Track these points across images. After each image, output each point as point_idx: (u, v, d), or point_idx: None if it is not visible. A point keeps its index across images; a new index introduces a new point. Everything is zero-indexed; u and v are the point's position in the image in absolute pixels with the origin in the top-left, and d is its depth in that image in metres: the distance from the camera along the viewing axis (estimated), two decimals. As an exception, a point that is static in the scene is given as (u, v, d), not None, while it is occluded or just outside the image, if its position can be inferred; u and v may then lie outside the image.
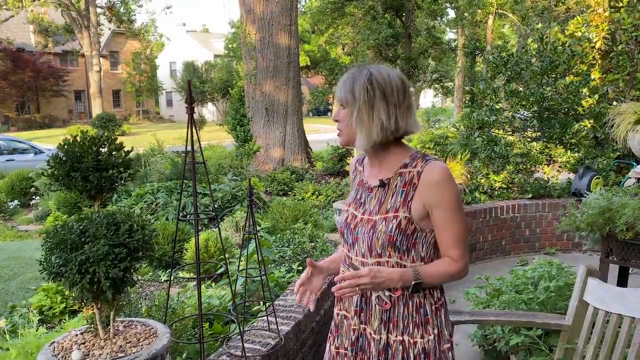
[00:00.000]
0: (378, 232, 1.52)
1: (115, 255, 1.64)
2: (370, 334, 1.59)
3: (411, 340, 1.54)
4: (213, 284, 3.97)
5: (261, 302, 3.05)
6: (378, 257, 1.54)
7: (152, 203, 6.44)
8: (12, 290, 4.19)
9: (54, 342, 1.83)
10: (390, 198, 1.55)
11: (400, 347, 1.55)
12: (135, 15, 32.90)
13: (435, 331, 1.55)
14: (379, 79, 1.52)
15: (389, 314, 1.55)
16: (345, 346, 1.65)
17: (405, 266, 1.54)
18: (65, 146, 1.67)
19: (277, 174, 9.05)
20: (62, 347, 1.79)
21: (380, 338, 1.57)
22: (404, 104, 1.53)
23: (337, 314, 1.70)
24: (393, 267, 1.54)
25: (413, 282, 1.49)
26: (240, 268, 2.87)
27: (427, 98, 45.67)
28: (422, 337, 1.54)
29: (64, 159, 1.67)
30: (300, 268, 3.87)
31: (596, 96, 6.27)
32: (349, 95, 1.53)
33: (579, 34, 6.51)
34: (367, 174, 1.66)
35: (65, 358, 1.72)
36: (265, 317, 2.68)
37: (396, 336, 1.55)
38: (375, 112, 1.51)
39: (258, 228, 3.14)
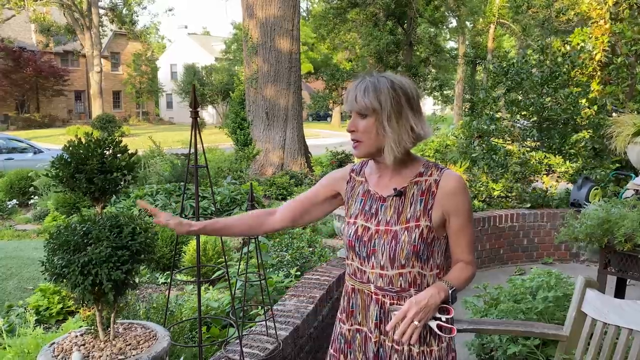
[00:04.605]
0: (402, 243, 1.52)
1: (118, 257, 1.64)
2: (391, 346, 1.57)
3: (428, 349, 1.56)
4: (211, 287, 3.97)
5: (259, 307, 3.05)
6: (401, 267, 1.53)
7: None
8: (9, 289, 4.18)
9: (53, 343, 1.83)
10: (409, 207, 1.55)
11: (422, 358, 1.56)
12: (137, 16, 32.92)
13: (447, 339, 1.59)
14: (399, 85, 1.51)
15: None
16: (360, 359, 1.63)
17: (425, 275, 1.55)
18: (70, 148, 1.68)
19: (276, 178, 9.06)
20: (62, 348, 1.79)
21: (403, 349, 1.56)
22: (421, 110, 1.56)
23: (349, 330, 1.66)
24: (415, 277, 1.54)
25: (450, 291, 1.51)
26: (240, 272, 2.87)
27: (427, 106, 45.80)
28: (437, 345, 1.57)
29: (68, 160, 1.67)
30: (299, 273, 3.87)
31: (595, 107, 6.31)
32: (375, 103, 1.48)
33: (582, 44, 6.55)
34: (373, 184, 1.63)
35: (65, 359, 1.72)
36: (264, 322, 2.69)
37: (419, 348, 1.55)
38: (404, 119, 1.50)
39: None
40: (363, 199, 1.63)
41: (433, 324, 1.51)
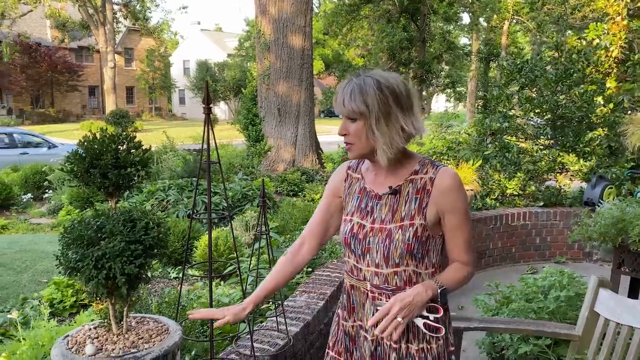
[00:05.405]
0: (396, 241, 1.50)
1: (132, 251, 1.66)
2: (389, 345, 1.56)
3: (428, 347, 1.55)
4: (222, 282, 4.00)
5: (270, 302, 3.07)
6: (395, 266, 1.52)
7: (163, 200, 6.48)
8: (23, 282, 4.24)
9: (67, 335, 1.85)
10: (404, 205, 1.53)
11: (422, 355, 1.55)
12: (151, 12, 33.15)
13: (444, 335, 1.57)
14: (387, 84, 1.47)
15: (409, 323, 1.52)
16: (365, 357, 1.61)
17: (420, 274, 1.54)
18: (85, 143, 1.70)
19: (287, 174, 9.07)
20: (76, 340, 1.81)
21: (400, 347, 1.55)
22: (414, 105, 1.52)
23: (352, 326, 1.65)
24: (410, 275, 1.53)
25: (439, 290, 1.49)
26: (251, 267, 2.88)
27: (439, 103, 45.53)
28: (436, 342, 1.56)
29: (83, 155, 1.69)
30: (310, 269, 3.88)
31: (611, 105, 6.23)
32: (362, 107, 1.46)
33: (597, 41, 6.47)
34: (369, 181, 1.62)
35: (79, 352, 1.74)
36: (274, 318, 2.70)
37: (418, 345, 1.54)
38: (394, 119, 1.47)
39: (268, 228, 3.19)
40: (359, 196, 1.62)
41: (419, 322, 1.49)
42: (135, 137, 1.77)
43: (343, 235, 1.61)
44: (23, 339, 2.64)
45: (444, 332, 1.52)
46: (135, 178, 1.79)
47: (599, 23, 6.70)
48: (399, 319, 1.42)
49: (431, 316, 1.49)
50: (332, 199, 1.71)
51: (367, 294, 1.57)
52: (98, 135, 1.71)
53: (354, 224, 1.59)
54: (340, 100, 1.50)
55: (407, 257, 1.51)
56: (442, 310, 1.50)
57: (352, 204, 1.63)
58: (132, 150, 1.77)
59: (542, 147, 6.68)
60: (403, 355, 1.55)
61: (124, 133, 1.74)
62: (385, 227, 1.53)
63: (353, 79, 1.50)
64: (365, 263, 1.56)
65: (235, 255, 2.44)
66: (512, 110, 6.90)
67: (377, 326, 1.44)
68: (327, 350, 1.74)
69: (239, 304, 1.63)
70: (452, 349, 1.61)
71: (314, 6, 12.67)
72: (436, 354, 1.55)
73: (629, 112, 6.16)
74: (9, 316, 3.03)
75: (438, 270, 1.57)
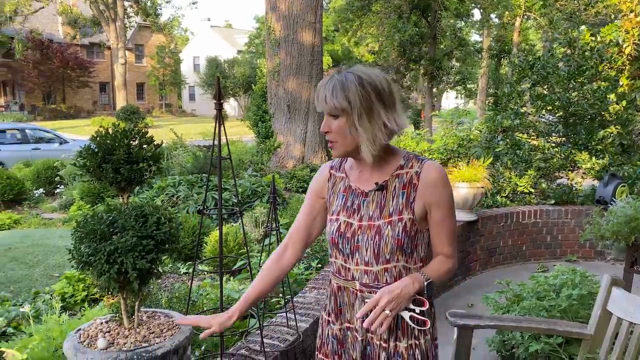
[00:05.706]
0: (385, 238, 1.49)
1: (143, 247, 1.67)
2: (378, 344, 1.55)
3: (416, 342, 1.55)
4: (232, 277, 4.01)
5: (280, 298, 3.07)
6: (386, 262, 1.50)
7: (173, 196, 6.52)
8: (35, 276, 4.29)
9: (79, 329, 1.87)
10: (391, 201, 1.52)
11: (410, 352, 1.54)
12: (161, 8, 33.25)
13: (430, 330, 1.57)
14: (369, 80, 1.46)
15: (397, 320, 1.52)
16: (354, 357, 1.60)
17: (409, 269, 1.53)
18: (98, 138, 1.70)
19: (297, 171, 9.08)
20: (88, 334, 1.82)
21: (389, 345, 1.54)
22: (396, 102, 1.51)
23: (340, 329, 1.63)
24: (400, 271, 1.51)
25: (426, 282, 1.49)
26: (261, 263, 2.89)
27: (449, 100, 45.33)
28: (423, 337, 1.55)
29: (95, 150, 1.70)
30: (320, 265, 3.88)
31: (624, 102, 6.16)
32: (344, 103, 1.44)
33: (610, 38, 6.40)
34: (354, 179, 1.60)
35: (91, 345, 1.75)
36: (284, 313, 2.71)
37: (406, 342, 1.53)
38: (376, 115, 1.46)
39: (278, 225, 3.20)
40: (344, 195, 1.60)
41: (406, 315, 1.48)
42: (147, 132, 1.77)
43: (330, 235, 1.59)
44: (31, 334, 2.67)
45: (429, 325, 1.53)
46: (147, 173, 1.80)
47: (615, 23, 6.61)
48: (387, 311, 1.42)
49: (417, 309, 1.49)
50: (316, 200, 1.68)
51: (357, 293, 1.56)
52: (110, 131, 1.72)
53: (340, 223, 1.57)
54: (322, 97, 1.48)
55: (397, 252, 1.50)
56: (427, 304, 1.50)
57: (337, 203, 1.61)
58: (144, 146, 1.77)
59: (553, 144, 6.63)
60: (392, 353, 1.54)
61: (136, 128, 1.74)
62: (373, 223, 1.52)
63: (334, 76, 1.49)
64: (354, 262, 1.54)
65: (245, 250, 2.45)
66: (524, 108, 6.85)
67: (364, 320, 1.44)
68: (316, 352, 1.73)
69: (225, 313, 1.62)
70: (437, 342, 1.61)
71: (323, 2, 12.65)
72: (424, 349, 1.55)
73: (642, 109, 6.09)
74: (21, 310, 3.06)
75: (425, 264, 1.57)
